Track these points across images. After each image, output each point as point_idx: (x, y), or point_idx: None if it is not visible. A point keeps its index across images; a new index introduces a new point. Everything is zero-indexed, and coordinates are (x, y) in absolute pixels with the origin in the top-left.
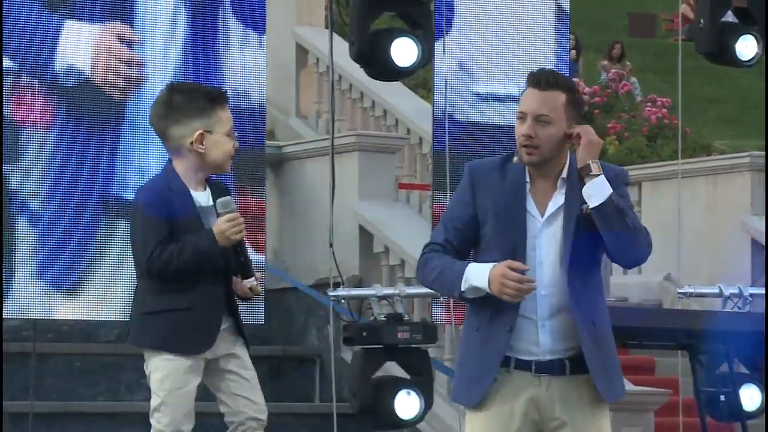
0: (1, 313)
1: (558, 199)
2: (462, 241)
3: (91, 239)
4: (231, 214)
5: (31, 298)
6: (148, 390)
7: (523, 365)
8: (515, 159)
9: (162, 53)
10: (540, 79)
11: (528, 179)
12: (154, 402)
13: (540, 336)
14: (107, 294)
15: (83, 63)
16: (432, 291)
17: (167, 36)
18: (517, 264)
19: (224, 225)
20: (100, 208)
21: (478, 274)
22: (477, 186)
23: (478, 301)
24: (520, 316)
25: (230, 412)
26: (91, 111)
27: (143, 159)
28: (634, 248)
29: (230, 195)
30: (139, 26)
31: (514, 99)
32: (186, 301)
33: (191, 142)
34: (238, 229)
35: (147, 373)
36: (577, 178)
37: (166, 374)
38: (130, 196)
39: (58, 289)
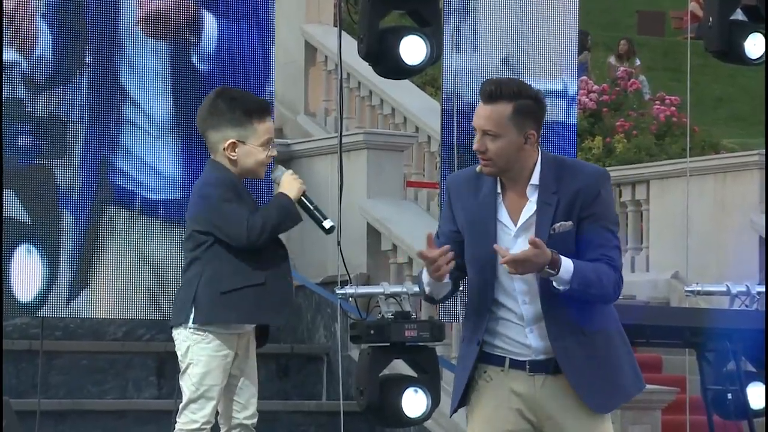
0: (1, 312)
1: (530, 207)
2: (461, 257)
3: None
4: (288, 171)
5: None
6: (156, 387)
7: (518, 365)
8: (477, 169)
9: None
10: (486, 92)
11: (500, 189)
12: (191, 394)
13: (530, 339)
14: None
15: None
16: None
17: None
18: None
19: (294, 178)
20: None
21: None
22: (453, 199)
23: (467, 314)
24: (508, 322)
25: (222, 414)
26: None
27: (158, 158)
28: (598, 303)
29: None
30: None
31: None
32: (261, 277)
33: (224, 149)
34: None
35: (183, 365)
36: (551, 185)
37: (209, 369)
38: (149, 195)
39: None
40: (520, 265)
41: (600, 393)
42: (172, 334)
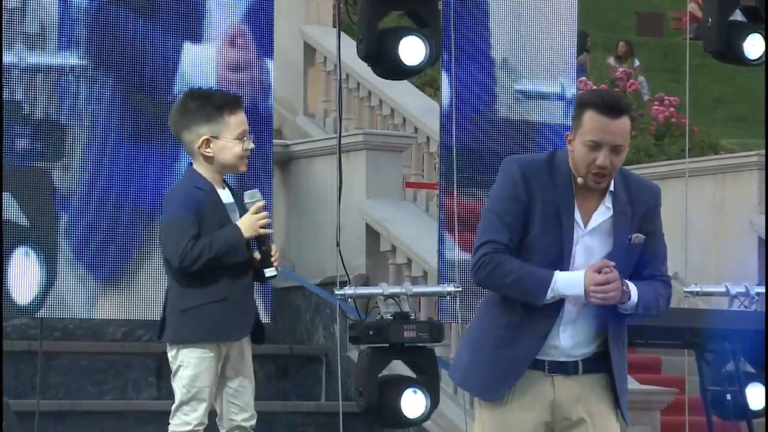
0: (1, 312)
1: (604, 211)
2: (518, 238)
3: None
4: (258, 204)
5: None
6: (155, 388)
7: (537, 365)
8: (579, 180)
9: (173, 52)
10: (612, 108)
11: (574, 187)
12: (183, 396)
13: (561, 340)
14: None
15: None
16: (437, 291)
17: (178, 35)
18: (602, 268)
19: (253, 216)
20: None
21: (569, 284)
22: (530, 183)
23: (513, 300)
24: None
25: (220, 416)
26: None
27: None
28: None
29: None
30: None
31: (526, 95)
32: (222, 293)
33: (198, 147)
34: (265, 221)
35: (174, 367)
36: (624, 195)
37: (200, 371)
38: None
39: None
40: (610, 289)
41: (625, 402)
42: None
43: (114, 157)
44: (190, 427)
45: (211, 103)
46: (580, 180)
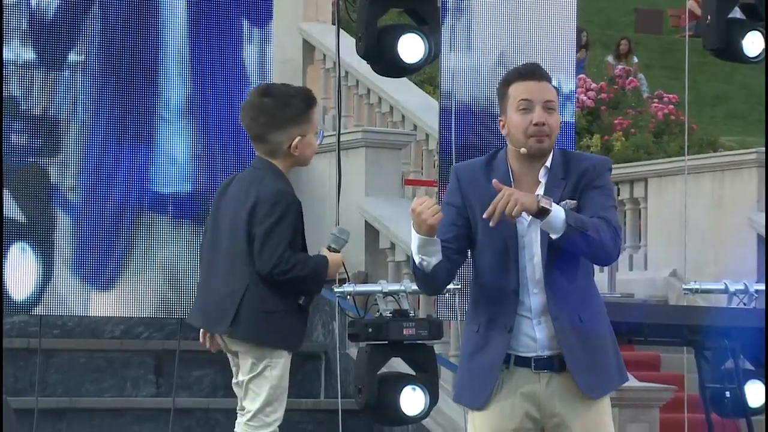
0: (1, 311)
1: (540, 192)
2: (459, 240)
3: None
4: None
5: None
6: (154, 386)
7: (523, 362)
8: (522, 150)
9: (172, 49)
10: (534, 73)
11: (512, 177)
12: (269, 396)
13: (536, 332)
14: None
15: None
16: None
17: (177, 33)
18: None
19: (341, 262)
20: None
21: (411, 237)
22: (465, 185)
23: (479, 302)
24: (517, 315)
25: (241, 405)
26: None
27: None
28: (601, 255)
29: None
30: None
31: None
32: (296, 302)
33: (289, 147)
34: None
35: (258, 368)
36: (560, 172)
37: (284, 373)
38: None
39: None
40: (511, 199)
41: (590, 375)
42: (223, 339)
43: (111, 154)
44: (272, 428)
45: (299, 101)
46: (523, 150)
